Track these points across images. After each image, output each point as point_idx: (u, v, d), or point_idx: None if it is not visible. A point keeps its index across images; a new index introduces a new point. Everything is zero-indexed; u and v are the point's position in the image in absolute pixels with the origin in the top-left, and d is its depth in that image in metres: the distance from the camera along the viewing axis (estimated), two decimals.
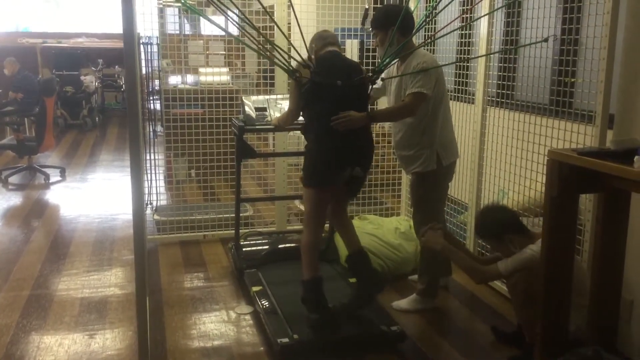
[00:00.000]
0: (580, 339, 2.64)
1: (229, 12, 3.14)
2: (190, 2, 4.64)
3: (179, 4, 3.12)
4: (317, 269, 3.01)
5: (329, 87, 2.91)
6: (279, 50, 2.97)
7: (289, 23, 4.23)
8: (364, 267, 3.11)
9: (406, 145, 3.29)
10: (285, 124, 3.39)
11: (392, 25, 3.05)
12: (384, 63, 3.07)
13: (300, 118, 3.20)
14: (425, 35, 4.34)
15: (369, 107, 3.21)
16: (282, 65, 2.99)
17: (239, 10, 3.00)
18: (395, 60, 3.18)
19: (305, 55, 3.00)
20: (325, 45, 3.09)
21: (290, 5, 3.30)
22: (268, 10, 3.15)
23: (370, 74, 3.06)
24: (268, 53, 3.14)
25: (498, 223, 2.85)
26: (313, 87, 2.93)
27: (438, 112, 3.20)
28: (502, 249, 2.86)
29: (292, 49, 3.16)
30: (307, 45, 3.09)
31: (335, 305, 3.03)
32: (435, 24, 4.47)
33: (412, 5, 3.97)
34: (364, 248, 3.18)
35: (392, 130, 3.41)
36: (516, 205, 3.43)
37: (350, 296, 3.14)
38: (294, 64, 3.07)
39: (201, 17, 3.25)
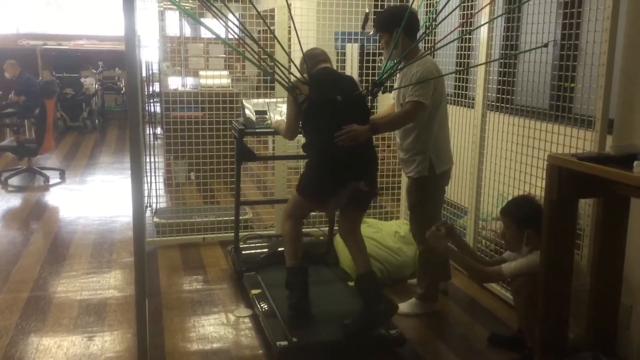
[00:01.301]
0: (580, 348, 2.64)
1: (228, 19, 3.13)
2: (191, 5, 4.66)
3: (180, 7, 3.11)
4: (298, 257, 3.06)
5: (329, 103, 2.90)
6: (278, 65, 2.95)
7: (290, 27, 4.24)
8: (373, 291, 2.99)
9: (401, 147, 3.32)
10: (283, 137, 3.38)
11: (397, 27, 3.04)
12: (384, 76, 3.05)
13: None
14: (425, 40, 4.35)
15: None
16: (282, 82, 2.97)
17: (238, 21, 2.99)
18: (396, 69, 3.16)
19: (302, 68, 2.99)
20: (316, 63, 3.09)
21: (289, 11, 3.30)
22: (269, 14, 3.15)
23: (370, 87, 3.05)
24: (268, 68, 3.11)
25: (529, 214, 2.80)
26: (313, 104, 2.92)
27: (433, 120, 3.19)
28: (515, 238, 2.84)
29: (292, 65, 3.15)
30: (299, 66, 3.08)
31: (347, 324, 2.89)
32: (435, 28, 4.48)
33: (414, 7, 3.98)
34: (374, 271, 3.09)
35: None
36: None
37: (354, 318, 2.94)
38: (293, 79, 3.05)
39: (202, 20, 3.24)
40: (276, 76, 2.98)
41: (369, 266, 3.07)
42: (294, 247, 3.10)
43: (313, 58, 3.11)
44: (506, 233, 2.92)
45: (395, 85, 3.28)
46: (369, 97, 3.07)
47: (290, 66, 3.17)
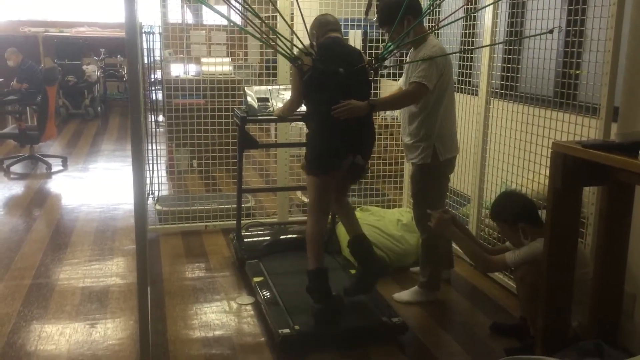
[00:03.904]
0: (582, 336, 2.63)
1: (232, 1, 3.11)
2: None
3: None
4: (322, 260, 2.99)
5: (331, 75, 2.89)
6: (281, 38, 2.95)
7: (292, 13, 4.20)
8: (365, 251, 3.14)
9: (405, 132, 3.30)
10: (287, 113, 3.38)
11: (407, 14, 3.03)
12: (387, 51, 3.04)
13: (303, 107, 3.18)
14: (429, 24, 4.31)
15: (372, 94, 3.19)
16: (284, 52, 2.96)
17: None
18: (398, 45, 3.14)
19: (307, 42, 2.98)
20: (326, 32, 3.06)
21: None
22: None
23: (373, 62, 3.04)
24: (271, 41, 3.11)
25: (515, 210, 2.81)
26: (315, 75, 2.91)
27: (439, 106, 3.17)
28: (513, 236, 2.84)
29: (294, 37, 3.13)
30: (308, 31, 3.05)
31: (339, 293, 3.03)
32: (439, 14, 4.44)
33: None
34: (364, 233, 3.18)
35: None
36: None
37: (353, 281, 3.15)
38: (296, 51, 3.05)
39: (204, 7, 3.22)
40: (278, 48, 2.96)
41: (360, 229, 3.17)
42: (318, 247, 2.99)
43: (324, 26, 3.07)
44: (502, 233, 2.93)
45: (404, 74, 3.26)
46: (372, 72, 3.05)
47: (292, 39, 3.15)
